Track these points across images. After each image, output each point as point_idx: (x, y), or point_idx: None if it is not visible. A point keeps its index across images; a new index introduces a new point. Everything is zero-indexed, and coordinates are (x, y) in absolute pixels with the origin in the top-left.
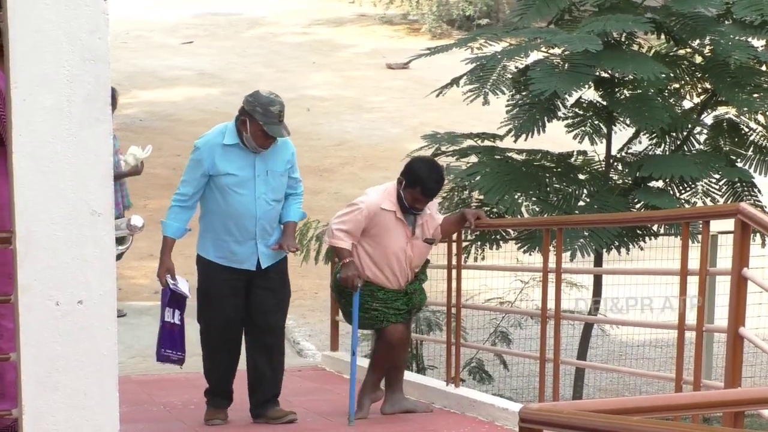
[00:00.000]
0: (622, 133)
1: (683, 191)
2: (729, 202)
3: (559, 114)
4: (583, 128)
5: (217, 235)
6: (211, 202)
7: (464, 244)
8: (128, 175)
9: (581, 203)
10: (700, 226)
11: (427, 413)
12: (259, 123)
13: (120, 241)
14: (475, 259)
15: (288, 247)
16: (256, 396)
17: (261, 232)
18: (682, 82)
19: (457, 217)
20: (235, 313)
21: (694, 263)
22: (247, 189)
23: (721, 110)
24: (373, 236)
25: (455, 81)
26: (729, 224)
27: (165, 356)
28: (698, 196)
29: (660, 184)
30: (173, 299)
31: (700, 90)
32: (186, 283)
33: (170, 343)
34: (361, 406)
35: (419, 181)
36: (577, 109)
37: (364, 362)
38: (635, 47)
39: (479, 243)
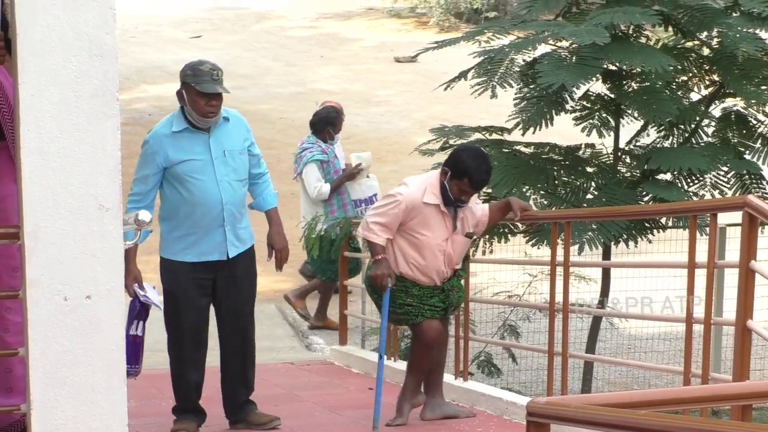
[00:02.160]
0: (630, 126)
1: (691, 184)
2: (737, 194)
3: (567, 107)
4: (591, 121)
5: (182, 230)
6: (172, 195)
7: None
8: (347, 179)
9: (589, 196)
10: (708, 218)
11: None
12: (191, 85)
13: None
14: (483, 253)
15: (279, 254)
16: (233, 399)
17: (229, 217)
18: (690, 74)
19: (502, 206)
20: (205, 316)
21: (702, 256)
22: (206, 174)
23: (729, 102)
24: (410, 230)
25: (463, 74)
26: (738, 217)
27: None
28: (706, 189)
29: (668, 176)
30: (142, 312)
31: (707, 82)
32: (155, 292)
33: (130, 358)
34: (401, 412)
35: (467, 171)
36: (584, 102)
37: (364, 354)
38: (643, 40)
39: (487, 236)
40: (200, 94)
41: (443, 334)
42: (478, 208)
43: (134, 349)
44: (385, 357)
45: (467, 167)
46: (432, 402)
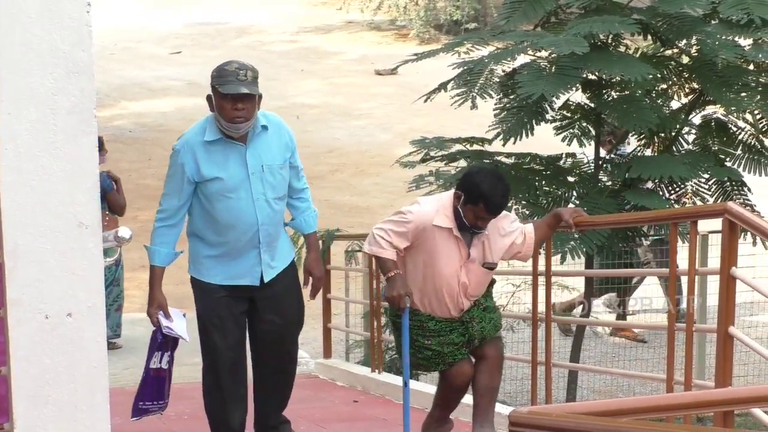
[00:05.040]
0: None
1: (673, 192)
2: (719, 201)
3: (547, 117)
4: (571, 130)
5: (212, 251)
6: (201, 213)
7: None
8: None
9: (571, 205)
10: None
11: None
12: (216, 88)
13: (108, 252)
14: None
15: (318, 282)
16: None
17: (265, 238)
18: (670, 82)
19: (550, 220)
20: (240, 339)
21: (685, 263)
22: (242, 191)
23: (709, 110)
24: (419, 255)
25: (443, 86)
26: (719, 224)
27: (143, 410)
28: (688, 197)
29: (649, 184)
30: (164, 343)
31: (687, 90)
32: (183, 320)
33: (152, 394)
34: None
35: (483, 195)
36: (565, 112)
37: (348, 367)
38: (622, 48)
39: None
40: (224, 96)
41: (472, 373)
42: (513, 231)
43: (156, 384)
44: (410, 384)
45: (483, 191)
46: (480, 431)
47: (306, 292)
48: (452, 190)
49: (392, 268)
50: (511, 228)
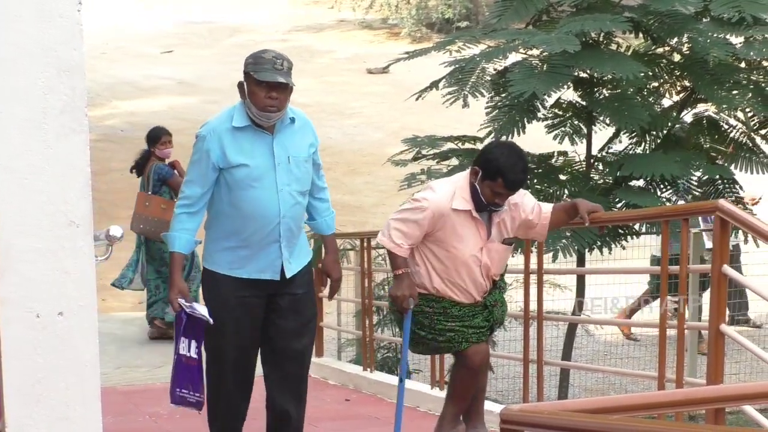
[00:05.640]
0: (602, 133)
1: (664, 190)
2: (711, 199)
3: (539, 115)
4: (563, 129)
5: (231, 242)
6: (222, 201)
7: None
8: None
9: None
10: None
11: None
12: (251, 74)
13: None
14: None
15: (336, 284)
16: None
17: (286, 232)
18: (661, 80)
19: (569, 207)
20: (252, 342)
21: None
22: (266, 182)
23: (701, 108)
24: (439, 241)
25: (434, 84)
26: None
27: (181, 397)
28: (679, 194)
29: (641, 183)
30: (189, 327)
31: (679, 88)
32: (204, 307)
33: (186, 380)
34: None
35: (501, 171)
36: (556, 110)
37: (340, 366)
38: (613, 47)
39: None
40: (259, 83)
41: (488, 354)
42: (526, 205)
43: (188, 372)
44: (405, 382)
45: (501, 165)
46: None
47: (324, 292)
48: (466, 171)
49: (401, 265)
50: (523, 201)
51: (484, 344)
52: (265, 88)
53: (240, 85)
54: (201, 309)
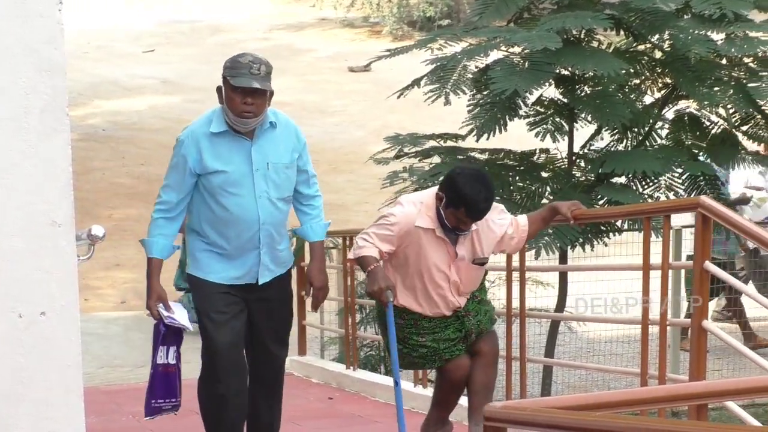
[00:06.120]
0: (584, 130)
1: (646, 186)
2: (692, 195)
3: (521, 112)
4: (544, 126)
5: (211, 247)
6: (202, 208)
7: None
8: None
9: (545, 201)
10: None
11: None
12: (228, 79)
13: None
14: None
15: (319, 293)
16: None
17: (266, 239)
18: (643, 77)
19: (545, 214)
20: (240, 337)
21: (658, 257)
22: (244, 188)
23: (682, 104)
24: (405, 258)
25: (416, 82)
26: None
27: (156, 408)
28: (661, 191)
29: (623, 179)
30: (169, 336)
31: (660, 85)
32: (184, 312)
33: (163, 390)
34: None
35: (464, 200)
36: (538, 107)
37: (323, 364)
38: (595, 44)
39: None
40: (235, 89)
41: (469, 367)
42: (502, 225)
43: (165, 380)
44: (401, 383)
45: (464, 195)
46: (476, 430)
47: (308, 303)
48: (434, 189)
49: (371, 262)
50: (501, 220)
51: (463, 358)
52: (240, 93)
53: (218, 89)
54: (180, 315)
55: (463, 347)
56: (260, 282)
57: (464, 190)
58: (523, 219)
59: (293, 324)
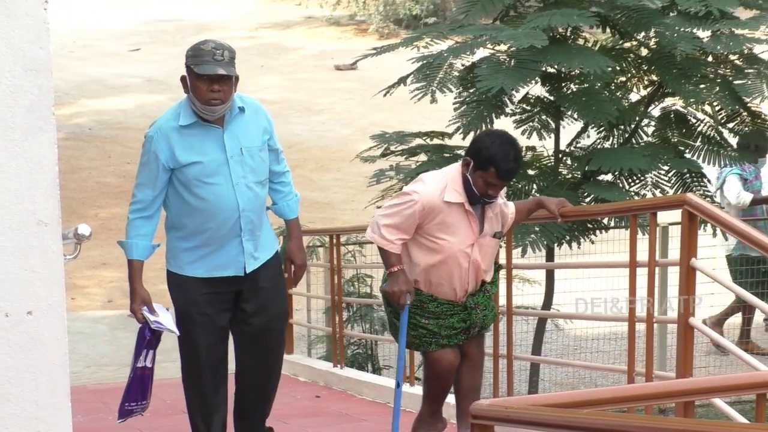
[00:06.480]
0: (570, 128)
1: (632, 184)
2: (679, 193)
3: (507, 110)
4: (531, 124)
5: (191, 242)
6: (179, 202)
7: None
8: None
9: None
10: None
11: None
12: (191, 68)
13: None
14: None
15: (299, 270)
16: (243, 421)
17: (247, 226)
18: (629, 75)
19: (530, 206)
20: (222, 336)
21: (645, 255)
22: (220, 177)
23: (669, 102)
24: (428, 234)
25: (402, 80)
26: (679, 215)
27: (128, 411)
28: (648, 188)
29: (609, 177)
30: (152, 341)
31: (646, 82)
32: (168, 313)
33: (138, 393)
34: None
35: (493, 160)
36: (524, 105)
37: (310, 363)
38: (581, 41)
39: None
40: (199, 77)
41: (456, 362)
42: (507, 205)
43: (142, 383)
44: (403, 386)
45: (492, 154)
46: None
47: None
48: (458, 163)
49: (396, 262)
50: (505, 201)
51: (452, 352)
52: (206, 81)
53: (183, 79)
54: (165, 318)
55: (463, 338)
56: (248, 271)
57: (492, 150)
58: (511, 205)
59: None
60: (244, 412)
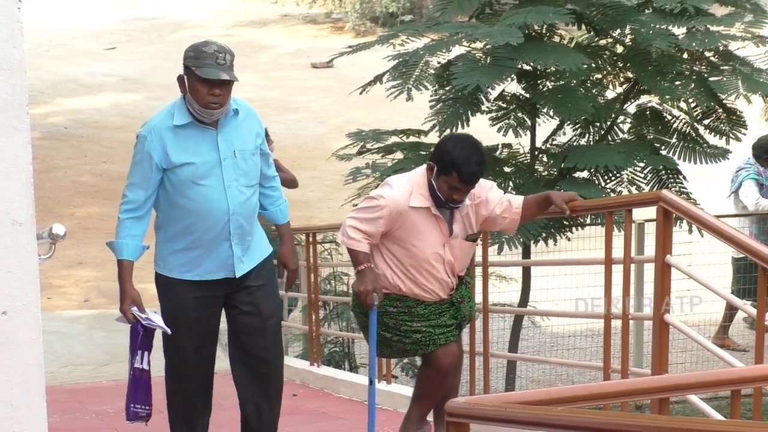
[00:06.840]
0: (546, 125)
1: (608, 181)
2: (655, 189)
3: (483, 108)
4: (507, 121)
5: (181, 244)
6: (169, 202)
7: None
8: None
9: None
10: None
11: None
12: (192, 69)
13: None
14: None
15: (293, 274)
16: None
17: (236, 230)
18: (605, 72)
19: (541, 200)
20: (211, 339)
21: (621, 252)
22: (213, 178)
23: (644, 99)
24: (398, 239)
25: (378, 78)
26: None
27: (135, 413)
28: (624, 185)
29: (585, 174)
30: (147, 339)
31: (622, 79)
32: (158, 315)
33: (141, 395)
34: None
35: (455, 164)
36: (500, 103)
37: (287, 361)
38: (556, 39)
39: None
40: (200, 80)
41: (459, 357)
42: (492, 201)
43: (142, 386)
44: (376, 383)
45: (455, 158)
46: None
47: (281, 284)
48: (422, 167)
49: (363, 260)
50: (491, 195)
51: (454, 345)
52: (207, 84)
53: (180, 78)
54: (157, 319)
55: (457, 333)
56: (237, 275)
57: (454, 154)
58: (518, 200)
59: None
60: (246, 416)
